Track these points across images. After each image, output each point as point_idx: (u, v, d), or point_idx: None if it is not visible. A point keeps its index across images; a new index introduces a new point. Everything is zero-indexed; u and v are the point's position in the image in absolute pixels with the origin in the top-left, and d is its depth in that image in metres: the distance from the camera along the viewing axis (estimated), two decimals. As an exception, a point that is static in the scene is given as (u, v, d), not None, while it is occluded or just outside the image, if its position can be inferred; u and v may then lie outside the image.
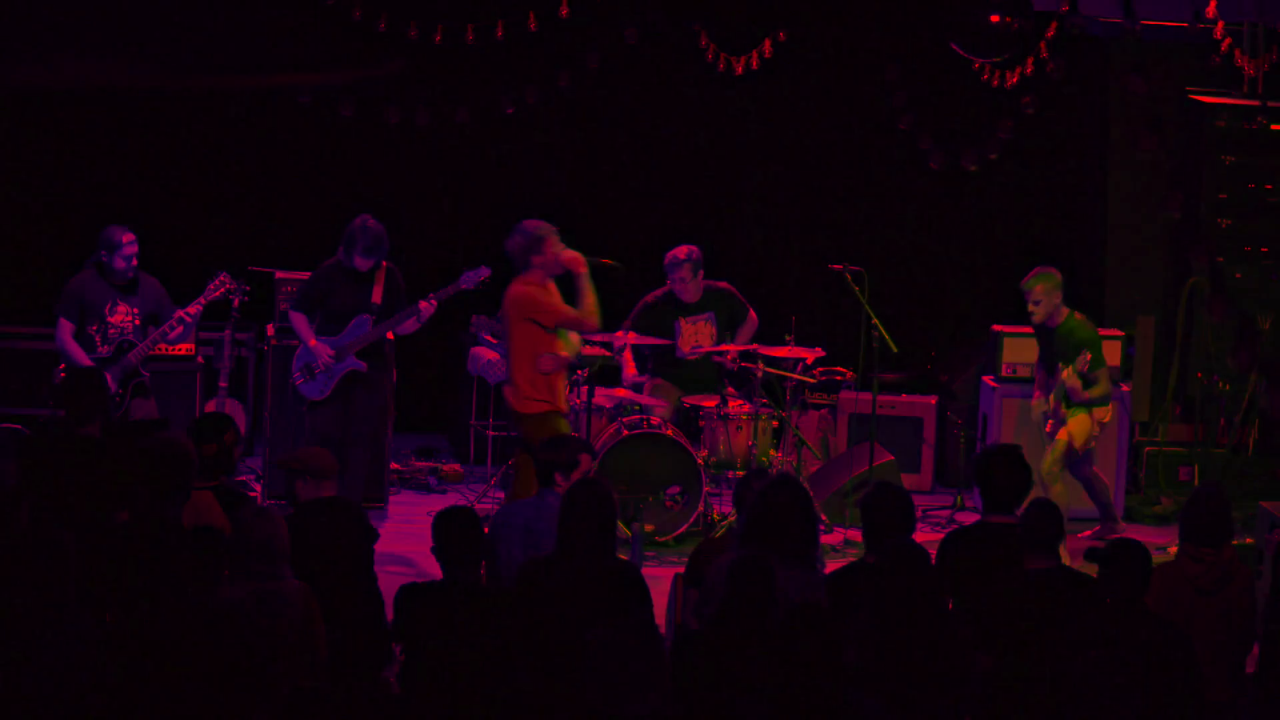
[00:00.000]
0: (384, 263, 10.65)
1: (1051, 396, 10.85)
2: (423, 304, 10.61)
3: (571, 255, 10.09)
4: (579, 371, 11.13)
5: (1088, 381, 10.67)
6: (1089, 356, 10.62)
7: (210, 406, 11.32)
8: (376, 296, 10.71)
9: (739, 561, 6.56)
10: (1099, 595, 6.98)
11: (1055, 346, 10.86)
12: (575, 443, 8.52)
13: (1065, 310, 10.82)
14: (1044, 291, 10.80)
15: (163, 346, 10.88)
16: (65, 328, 10.41)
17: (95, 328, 10.42)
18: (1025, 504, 7.52)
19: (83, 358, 10.30)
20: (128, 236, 10.43)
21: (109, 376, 10.29)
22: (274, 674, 6.45)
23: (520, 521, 7.92)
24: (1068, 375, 10.62)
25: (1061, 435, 10.78)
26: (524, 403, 10.05)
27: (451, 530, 6.97)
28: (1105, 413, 10.93)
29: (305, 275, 10.98)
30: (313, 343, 10.66)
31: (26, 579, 6.21)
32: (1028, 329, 12.04)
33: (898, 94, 12.85)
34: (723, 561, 7.36)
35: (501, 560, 7.79)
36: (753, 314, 11.70)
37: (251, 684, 6.23)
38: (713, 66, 12.51)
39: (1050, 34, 11.81)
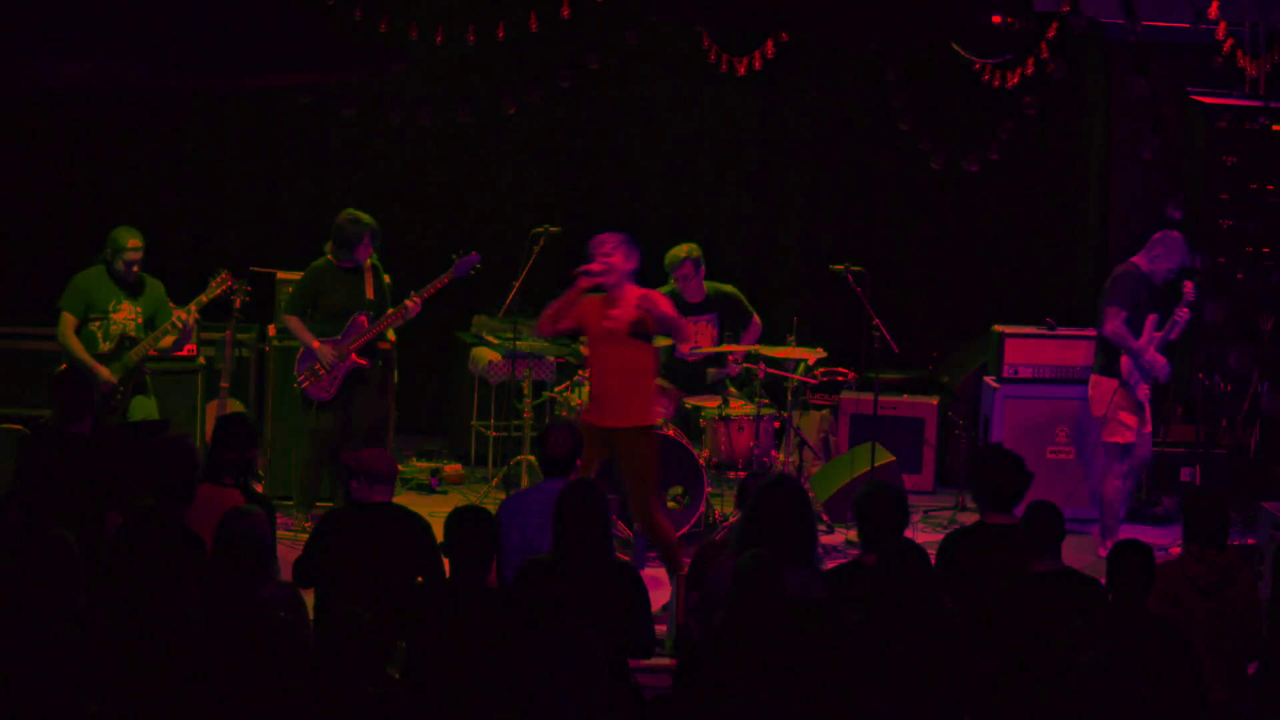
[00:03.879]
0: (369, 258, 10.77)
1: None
2: (409, 303, 10.70)
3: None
4: (580, 372, 11.13)
5: None
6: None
7: (211, 407, 11.32)
8: (369, 293, 10.78)
9: (746, 561, 6.53)
10: (1104, 596, 6.99)
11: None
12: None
13: None
14: None
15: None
16: (68, 322, 10.41)
17: (98, 324, 10.42)
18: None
19: (83, 353, 10.30)
20: (133, 241, 10.44)
21: (108, 373, 10.30)
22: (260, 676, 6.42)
23: (538, 508, 7.83)
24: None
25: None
26: None
27: (464, 531, 6.89)
28: None
29: (309, 276, 11.02)
30: (316, 344, 10.71)
31: (26, 579, 6.20)
32: (1029, 329, 12.02)
33: (898, 94, 12.85)
34: (724, 563, 7.36)
35: (514, 546, 7.73)
36: (756, 319, 11.68)
37: (245, 686, 6.20)
38: (715, 67, 12.49)
39: (1051, 34, 11.79)
